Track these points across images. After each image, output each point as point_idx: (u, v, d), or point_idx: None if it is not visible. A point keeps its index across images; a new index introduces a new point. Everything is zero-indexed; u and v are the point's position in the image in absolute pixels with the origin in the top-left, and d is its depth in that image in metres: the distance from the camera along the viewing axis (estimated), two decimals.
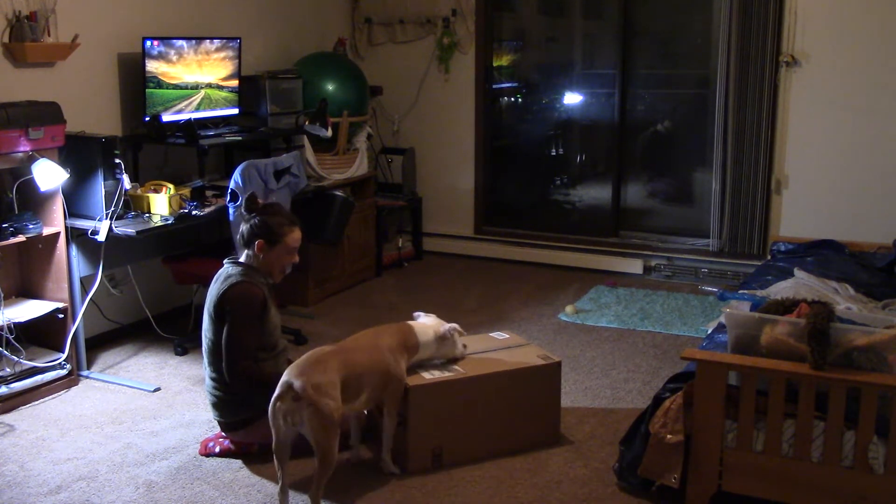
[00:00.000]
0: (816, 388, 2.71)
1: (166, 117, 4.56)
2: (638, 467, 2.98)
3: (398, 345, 3.19)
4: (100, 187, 3.99)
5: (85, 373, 4.15)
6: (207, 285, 3.38)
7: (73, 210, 4.02)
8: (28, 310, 3.89)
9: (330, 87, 5.55)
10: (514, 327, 4.73)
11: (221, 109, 4.98)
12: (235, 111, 5.06)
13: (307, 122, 5.18)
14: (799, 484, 2.77)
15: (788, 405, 2.75)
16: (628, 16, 5.86)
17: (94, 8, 4.37)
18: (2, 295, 3.80)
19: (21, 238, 3.77)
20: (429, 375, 3.25)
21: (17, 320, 3.78)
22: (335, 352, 3.06)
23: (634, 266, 5.90)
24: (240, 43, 5.02)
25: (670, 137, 6.07)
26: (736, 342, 2.90)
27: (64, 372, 3.99)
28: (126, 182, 4.04)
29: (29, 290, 4.06)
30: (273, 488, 3.07)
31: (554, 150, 6.50)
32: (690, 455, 2.87)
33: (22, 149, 3.69)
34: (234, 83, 5.03)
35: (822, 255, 4.54)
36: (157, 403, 3.88)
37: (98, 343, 4.51)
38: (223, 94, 4.98)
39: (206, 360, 3.34)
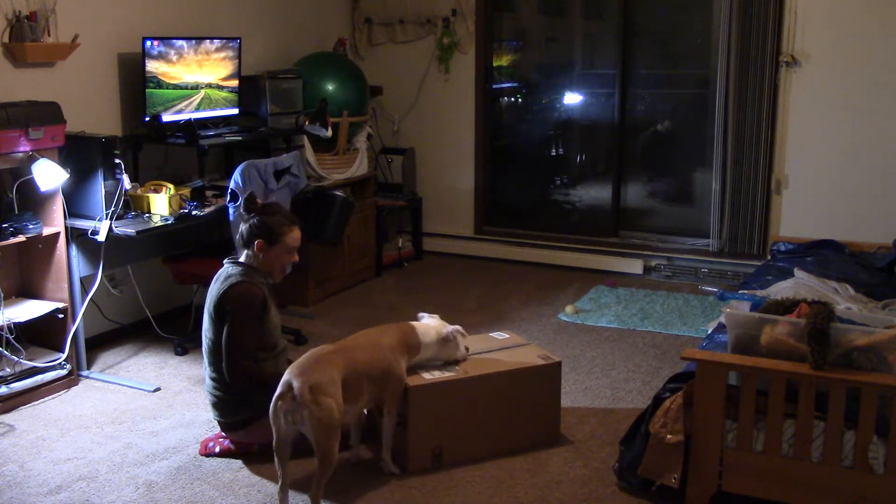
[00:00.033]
0: (816, 388, 2.71)
1: (166, 117, 4.56)
2: (638, 467, 2.98)
3: (399, 344, 3.19)
4: (100, 187, 3.98)
5: (85, 373, 4.15)
6: (207, 285, 3.38)
7: (73, 210, 4.02)
8: (28, 310, 3.89)
9: (330, 87, 5.55)
10: (514, 327, 4.73)
11: (221, 109, 4.97)
12: (235, 111, 5.06)
13: (307, 122, 5.18)
14: (799, 484, 2.77)
15: (788, 405, 2.75)
16: (628, 16, 5.86)
17: (93, 8, 4.37)
18: (2, 295, 3.80)
19: (21, 238, 3.77)
20: (429, 375, 3.24)
21: (17, 320, 3.78)
22: (336, 351, 3.05)
23: (634, 266, 5.90)
24: (240, 43, 5.02)
25: (670, 137, 6.07)
26: (736, 342, 2.90)
27: (64, 372, 3.99)
28: (126, 182, 4.04)
29: (29, 290, 4.06)
30: (273, 488, 3.07)
31: (554, 150, 6.50)
32: (690, 455, 2.87)
33: (22, 149, 3.69)
34: (234, 83, 5.03)
35: (822, 255, 4.54)
36: (157, 403, 3.87)
37: (98, 343, 4.51)
38: (223, 94, 4.98)
39: (206, 360, 3.34)
